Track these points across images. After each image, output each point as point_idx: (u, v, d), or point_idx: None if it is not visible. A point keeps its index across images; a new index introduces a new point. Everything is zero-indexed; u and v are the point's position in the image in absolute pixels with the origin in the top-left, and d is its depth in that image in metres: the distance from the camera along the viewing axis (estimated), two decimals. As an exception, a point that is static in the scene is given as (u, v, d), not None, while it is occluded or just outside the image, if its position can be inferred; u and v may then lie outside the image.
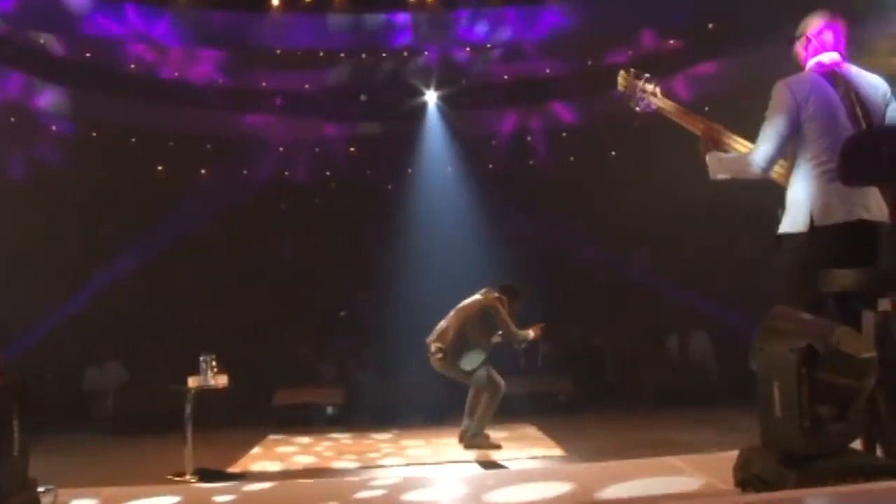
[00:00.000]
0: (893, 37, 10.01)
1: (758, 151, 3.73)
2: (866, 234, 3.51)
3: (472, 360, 7.49)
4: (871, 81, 3.77)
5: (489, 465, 6.72)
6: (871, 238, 3.51)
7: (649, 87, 4.28)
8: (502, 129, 15.04)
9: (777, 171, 3.86)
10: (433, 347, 7.53)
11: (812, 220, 3.56)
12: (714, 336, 11.94)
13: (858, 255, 3.47)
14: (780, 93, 3.71)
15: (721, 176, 3.94)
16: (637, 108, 4.34)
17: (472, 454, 7.24)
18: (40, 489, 4.08)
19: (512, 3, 12.64)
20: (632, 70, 4.37)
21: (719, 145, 3.98)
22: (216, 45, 13.20)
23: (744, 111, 4.50)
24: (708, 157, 3.98)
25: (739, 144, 3.95)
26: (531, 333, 7.65)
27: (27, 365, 10.00)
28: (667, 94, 4.34)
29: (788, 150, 3.72)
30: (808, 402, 3.00)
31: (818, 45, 3.84)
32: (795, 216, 3.64)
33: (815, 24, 3.89)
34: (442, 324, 7.63)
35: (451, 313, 7.67)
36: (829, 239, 3.52)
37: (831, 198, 3.51)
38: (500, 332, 7.62)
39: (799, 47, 3.92)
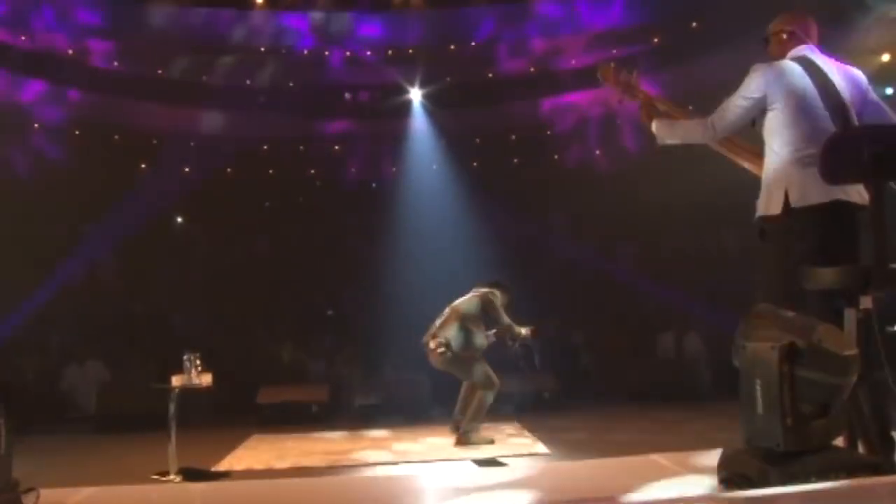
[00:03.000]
0: (876, 34, 10.13)
1: (716, 121, 3.79)
2: (844, 215, 3.50)
3: (478, 347, 7.60)
4: (846, 70, 3.81)
5: (474, 463, 6.73)
6: (849, 219, 3.49)
7: (631, 80, 4.31)
8: (486, 128, 15.05)
9: (755, 162, 3.89)
10: (433, 344, 7.59)
11: (787, 202, 3.57)
12: (698, 333, 12.00)
13: (837, 236, 3.47)
14: (755, 73, 3.76)
15: (670, 142, 3.99)
16: (619, 101, 4.40)
17: (457, 452, 7.24)
18: (22, 490, 4.05)
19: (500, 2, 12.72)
20: (612, 63, 4.41)
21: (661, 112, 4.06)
22: (200, 42, 13.14)
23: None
24: (655, 123, 4.03)
25: (679, 112, 4.05)
26: (524, 331, 7.76)
27: (7, 364, 9.94)
28: (645, 87, 4.38)
29: (765, 135, 3.74)
30: (789, 399, 3.02)
31: (791, 40, 3.89)
32: (769, 197, 3.65)
33: (785, 22, 3.95)
34: (438, 322, 7.71)
35: (447, 310, 7.75)
36: (806, 221, 3.53)
37: (808, 180, 3.51)
38: (495, 330, 7.73)
39: (773, 45, 3.97)
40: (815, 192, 3.51)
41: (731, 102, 3.77)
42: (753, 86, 3.72)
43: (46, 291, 12.09)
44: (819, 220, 3.52)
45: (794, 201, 3.56)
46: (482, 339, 7.70)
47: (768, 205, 3.65)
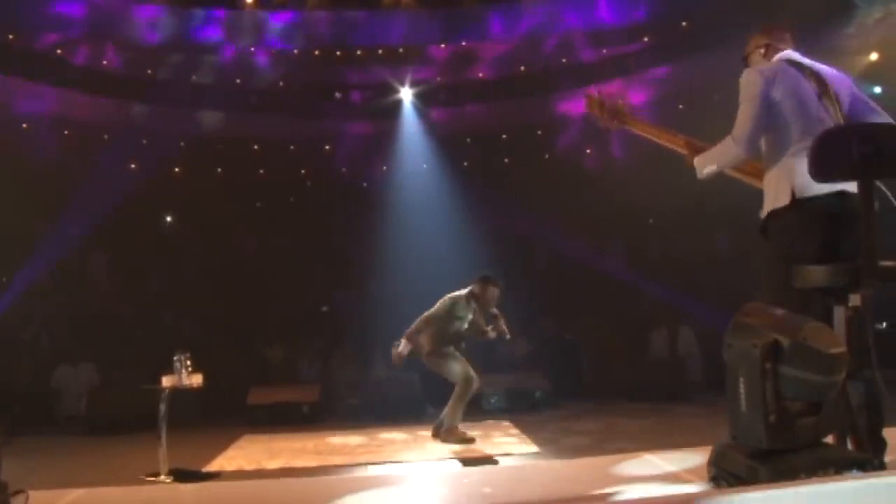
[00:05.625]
0: (858, 37, 10.19)
1: (737, 132, 3.74)
2: (848, 204, 3.48)
3: (455, 353, 7.56)
4: (830, 69, 3.84)
5: (465, 462, 6.73)
6: (853, 210, 3.46)
7: (618, 106, 4.31)
8: (477, 127, 15.06)
9: (745, 170, 3.90)
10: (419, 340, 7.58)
11: (793, 194, 3.56)
12: (691, 330, 12.01)
13: (841, 227, 3.47)
14: (750, 77, 3.76)
15: (708, 170, 3.93)
16: (608, 129, 4.41)
17: (449, 452, 7.24)
18: (11, 492, 4.03)
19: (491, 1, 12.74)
20: (598, 92, 4.42)
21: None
22: (190, 42, 13.10)
23: (717, 106, 4.54)
24: (695, 159, 3.99)
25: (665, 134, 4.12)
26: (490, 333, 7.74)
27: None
28: (633, 111, 4.38)
29: (763, 134, 3.74)
30: (772, 397, 3.02)
31: (769, 53, 3.92)
32: (776, 192, 3.63)
33: (759, 38, 3.99)
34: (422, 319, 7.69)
35: (431, 310, 7.72)
36: (811, 211, 3.52)
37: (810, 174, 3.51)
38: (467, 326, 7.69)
39: (753, 63, 3.97)
40: (818, 183, 3.52)
41: (741, 113, 3.73)
42: (753, 86, 3.71)
43: (38, 290, 12.03)
44: (823, 211, 3.52)
45: (799, 193, 3.56)
46: (459, 336, 7.63)
47: (775, 199, 3.64)
